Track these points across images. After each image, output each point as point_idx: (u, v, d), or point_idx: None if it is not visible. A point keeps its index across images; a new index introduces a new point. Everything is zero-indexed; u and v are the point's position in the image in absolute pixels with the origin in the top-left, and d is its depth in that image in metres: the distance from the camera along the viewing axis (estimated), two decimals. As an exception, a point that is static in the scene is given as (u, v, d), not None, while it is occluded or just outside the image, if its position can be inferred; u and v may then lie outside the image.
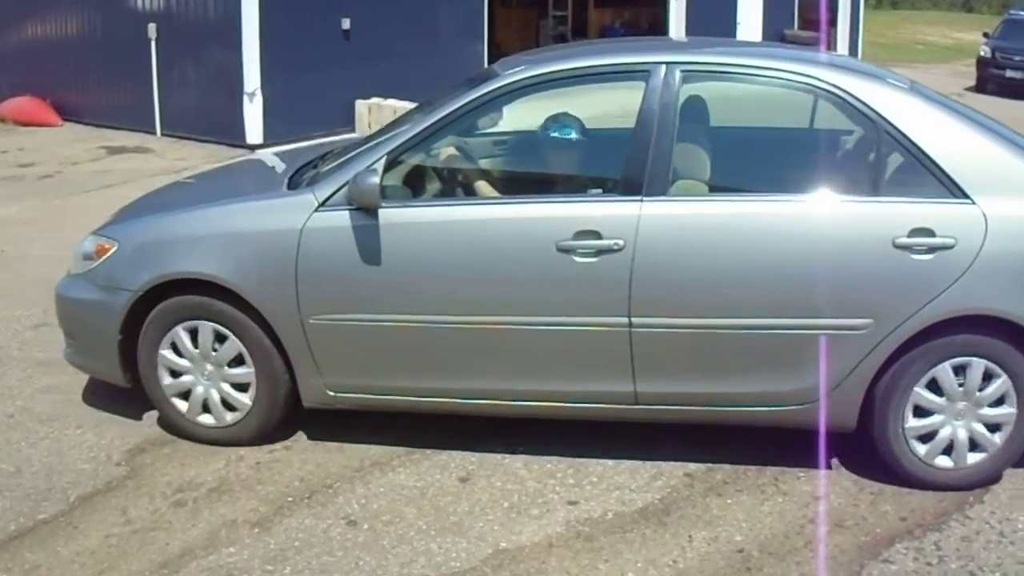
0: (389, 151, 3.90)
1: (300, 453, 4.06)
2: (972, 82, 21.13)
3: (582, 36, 18.53)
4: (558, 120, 4.58)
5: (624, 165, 3.88)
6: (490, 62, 9.45)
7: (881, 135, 3.81)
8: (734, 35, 17.12)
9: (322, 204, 3.88)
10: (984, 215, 3.70)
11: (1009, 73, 20.34)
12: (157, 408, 4.21)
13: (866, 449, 3.84)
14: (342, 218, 3.85)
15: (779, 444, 3.99)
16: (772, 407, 3.84)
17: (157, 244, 4.09)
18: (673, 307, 3.75)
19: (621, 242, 3.70)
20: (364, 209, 3.81)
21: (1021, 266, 3.72)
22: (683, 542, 3.43)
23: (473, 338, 3.89)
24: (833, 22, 21.76)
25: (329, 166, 4.17)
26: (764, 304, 3.73)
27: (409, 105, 8.29)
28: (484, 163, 4.54)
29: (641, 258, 3.71)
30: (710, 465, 3.93)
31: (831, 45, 21.43)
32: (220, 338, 4.03)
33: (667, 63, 3.91)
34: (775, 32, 18.51)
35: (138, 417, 4.30)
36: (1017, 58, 20.42)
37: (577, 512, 3.62)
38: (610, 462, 3.94)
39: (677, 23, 16.43)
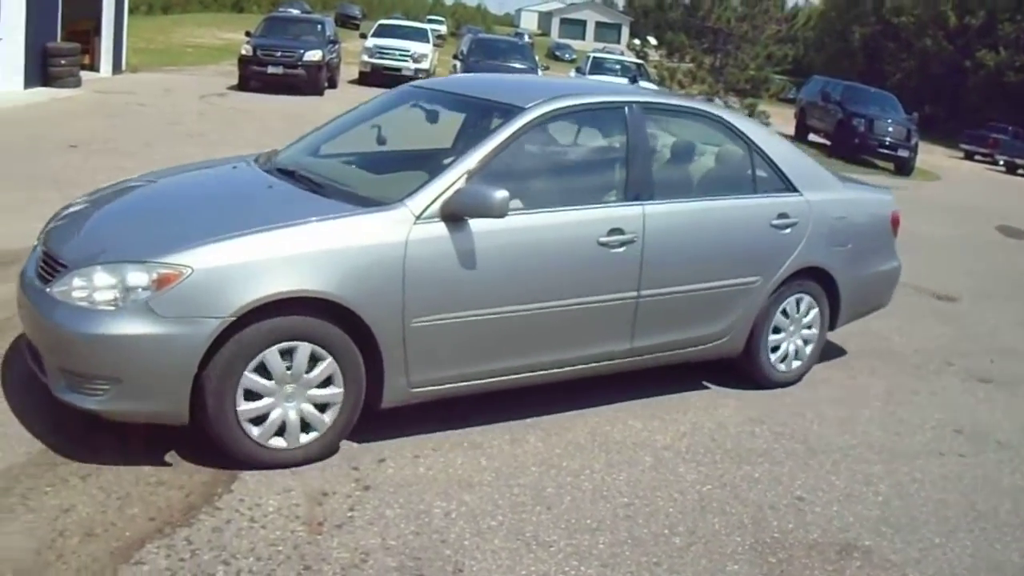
0: (466, 172, 4.44)
1: None
2: (236, 80, 21.88)
3: None
4: None
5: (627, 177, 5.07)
6: None
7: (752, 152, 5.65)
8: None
9: (419, 217, 4.26)
10: (808, 202, 5.67)
11: (271, 69, 21.43)
12: (218, 438, 4.00)
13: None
14: (439, 228, 4.30)
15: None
16: (702, 346, 5.39)
17: (246, 266, 3.89)
18: (663, 280, 5.06)
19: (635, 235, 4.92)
20: (454, 219, 4.31)
21: (828, 233, 5.75)
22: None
23: (535, 320, 4.63)
24: (97, 32, 21.57)
25: (417, 183, 4.44)
26: (710, 272, 5.26)
27: None
28: (536, 177, 5.13)
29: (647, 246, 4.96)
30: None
31: (93, 55, 21.24)
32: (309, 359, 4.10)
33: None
34: (39, 46, 17.66)
35: None
36: (278, 54, 21.58)
37: None
38: None
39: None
